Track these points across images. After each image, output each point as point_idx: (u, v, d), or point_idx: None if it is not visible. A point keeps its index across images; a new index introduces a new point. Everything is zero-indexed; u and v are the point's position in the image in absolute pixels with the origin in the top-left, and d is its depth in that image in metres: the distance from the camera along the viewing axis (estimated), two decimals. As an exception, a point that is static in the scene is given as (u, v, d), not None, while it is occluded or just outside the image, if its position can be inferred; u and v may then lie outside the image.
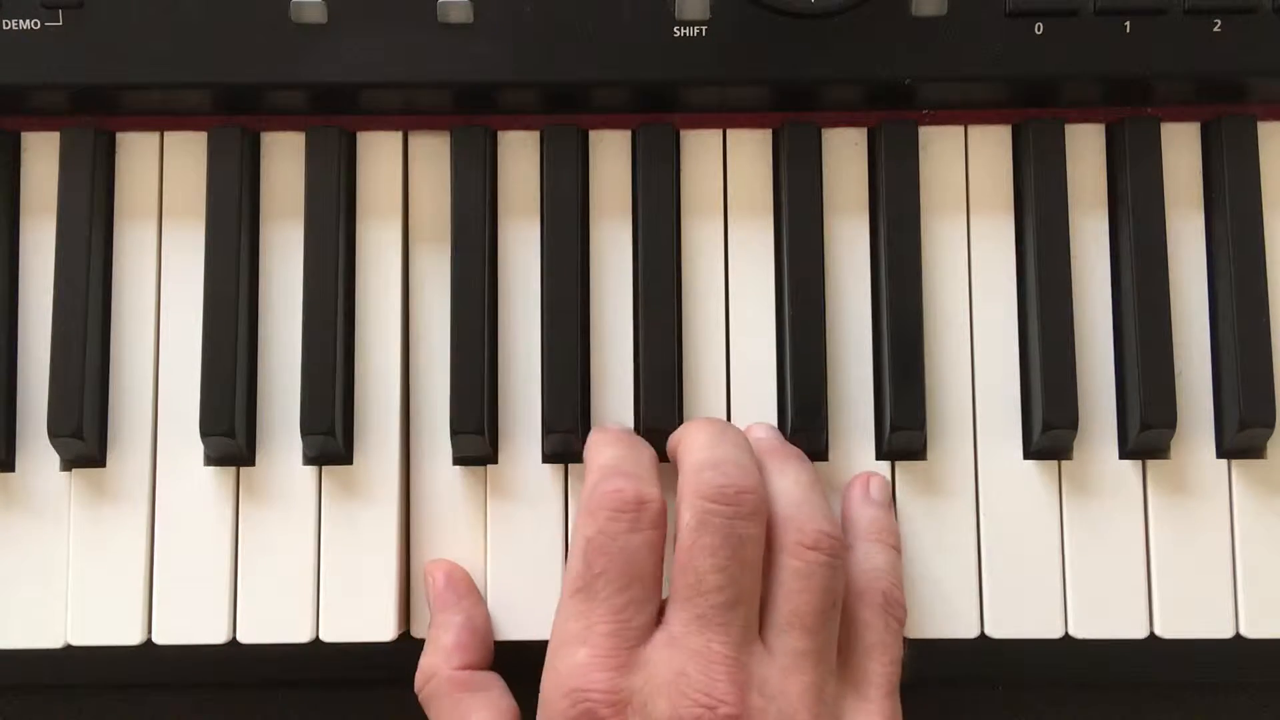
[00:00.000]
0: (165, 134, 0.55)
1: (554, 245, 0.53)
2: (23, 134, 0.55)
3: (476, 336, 0.52)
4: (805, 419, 0.52)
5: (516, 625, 0.52)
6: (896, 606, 0.49)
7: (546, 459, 0.53)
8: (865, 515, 0.51)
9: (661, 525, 0.47)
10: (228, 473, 0.53)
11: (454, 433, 0.52)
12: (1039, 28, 0.52)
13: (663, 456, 0.52)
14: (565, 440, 0.52)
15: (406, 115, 0.55)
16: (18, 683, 0.54)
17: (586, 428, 0.53)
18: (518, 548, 0.53)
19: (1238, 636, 0.52)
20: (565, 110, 0.54)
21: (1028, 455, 0.53)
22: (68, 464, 0.53)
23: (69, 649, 0.52)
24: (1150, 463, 0.53)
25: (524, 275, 0.54)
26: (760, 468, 0.49)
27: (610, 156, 0.55)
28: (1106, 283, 0.54)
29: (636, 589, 0.46)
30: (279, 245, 0.54)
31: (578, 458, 0.53)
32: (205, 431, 0.52)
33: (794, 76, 0.52)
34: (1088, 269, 0.54)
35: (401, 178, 0.55)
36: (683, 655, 0.45)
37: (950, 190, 0.55)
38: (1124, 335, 0.53)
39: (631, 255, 0.54)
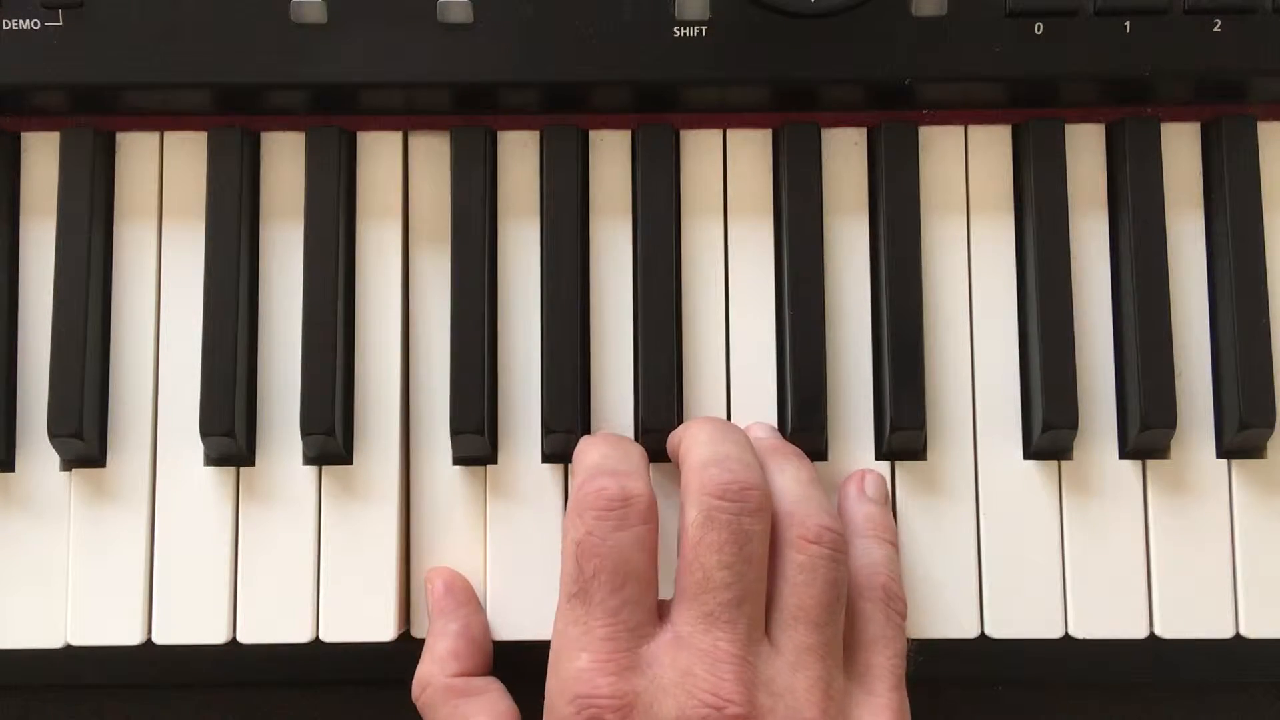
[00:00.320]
0: (165, 134, 0.55)
1: (554, 245, 0.53)
2: (23, 134, 0.55)
3: (476, 336, 0.52)
4: (805, 419, 0.52)
5: (516, 626, 0.52)
6: (896, 600, 0.49)
7: (546, 459, 0.53)
8: (861, 512, 0.51)
9: (651, 520, 0.47)
10: (228, 473, 0.53)
11: (454, 432, 0.52)
12: (1039, 28, 0.52)
13: (664, 456, 0.52)
14: (565, 440, 0.52)
15: (406, 115, 0.55)
16: (18, 683, 0.53)
17: (586, 428, 0.53)
18: (517, 548, 0.53)
19: (1238, 636, 0.52)
20: (565, 110, 0.54)
21: (1028, 455, 0.53)
22: (68, 464, 0.53)
23: (69, 649, 0.52)
24: (1150, 463, 0.53)
25: (524, 275, 0.54)
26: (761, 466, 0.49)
27: (610, 156, 0.55)
28: (1106, 283, 0.54)
29: (631, 587, 0.46)
30: (279, 245, 0.54)
31: (578, 458, 0.53)
32: (205, 431, 0.52)
33: (794, 76, 0.52)
34: (1088, 269, 0.54)
35: (401, 178, 0.55)
36: (689, 654, 0.45)
37: (950, 190, 0.55)
38: (1124, 335, 0.53)
39: (631, 255, 0.54)
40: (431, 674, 0.50)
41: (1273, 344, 0.52)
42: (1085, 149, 0.55)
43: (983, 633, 0.52)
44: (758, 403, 0.53)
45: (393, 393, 0.53)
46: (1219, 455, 0.53)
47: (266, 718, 0.55)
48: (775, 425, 0.53)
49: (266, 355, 0.54)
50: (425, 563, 0.53)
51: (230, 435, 0.52)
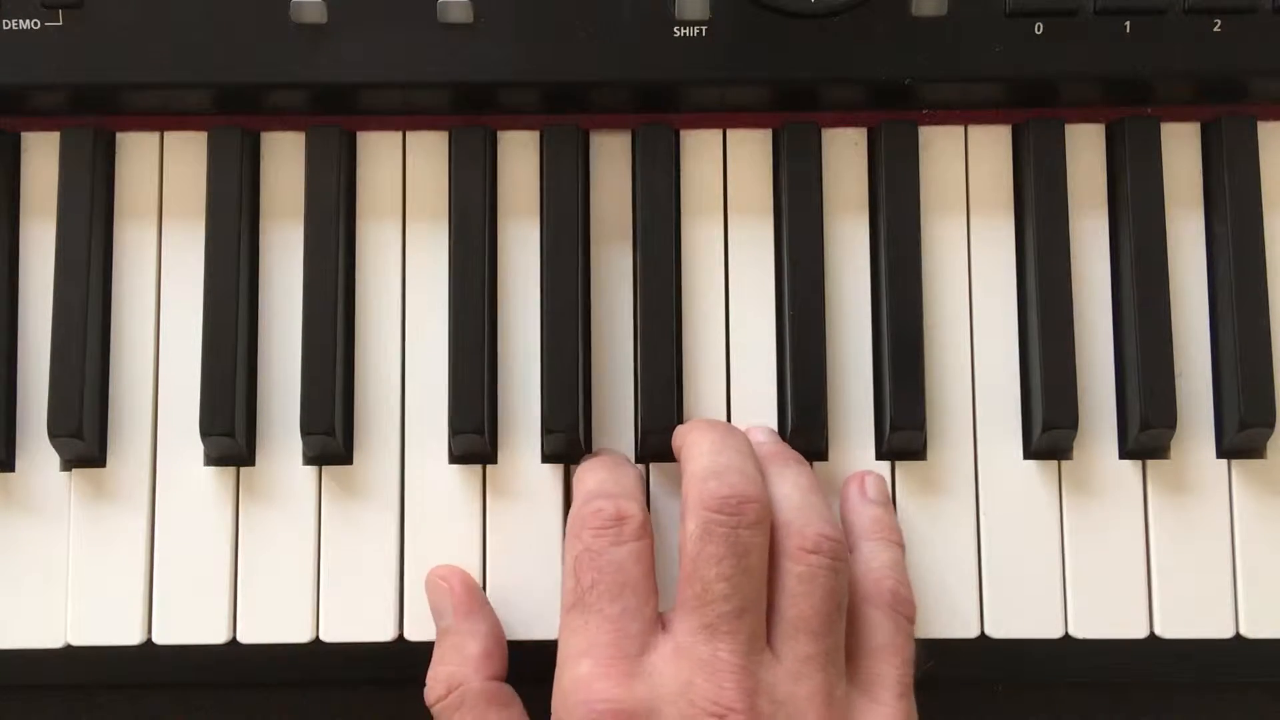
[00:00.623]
0: (165, 134, 0.55)
1: (553, 245, 0.53)
2: (23, 134, 0.55)
3: (476, 336, 0.52)
4: (805, 419, 0.52)
5: (515, 626, 0.52)
6: (905, 604, 0.49)
7: (546, 459, 0.53)
8: (865, 515, 0.51)
9: (645, 537, 0.47)
10: (228, 473, 0.53)
11: (454, 432, 0.52)
12: (1039, 28, 0.52)
13: (664, 456, 0.52)
14: (565, 440, 0.52)
15: (406, 115, 0.55)
16: (18, 683, 0.53)
17: (586, 428, 0.53)
18: (516, 548, 0.53)
19: (1238, 636, 0.52)
20: (565, 110, 0.54)
21: (1028, 455, 0.53)
22: (68, 464, 0.53)
23: (69, 649, 0.52)
24: (1150, 463, 0.53)
25: (524, 275, 0.54)
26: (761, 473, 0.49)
27: (610, 156, 0.55)
28: (1106, 283, 0.54)
29: (629, 597, 0.46)
30: (279, 245, 0.54)
31: (577, 458, 0.53)
32: (205, 431, 0.52)
33: (794, 76, 0.52)
34: (1088, 269, 0.54)
35: (401, 178, 0.55)
36: (690, 665, 0.45)
37: (950, 190, 0.55)
38: (1124, 335, 0.53)
39: (631, 255, 0.54)
40: (464, 676, 0.49)
41: (1273, 344, 0.52)
42: (1085, 149, 0.55)
43: (983, 633, 0.52)
44: (758, 403, 0.53)
45: (393, 393, 0.53)
46: (1219, 455, 0.53)
47: (266, 718, 0.55)
48: (775, 426, 0.53)
49: (266, 355, 0.54)
50: (423, 563, 0.53)
51: (230, 435, 0.52)
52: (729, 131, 0.55)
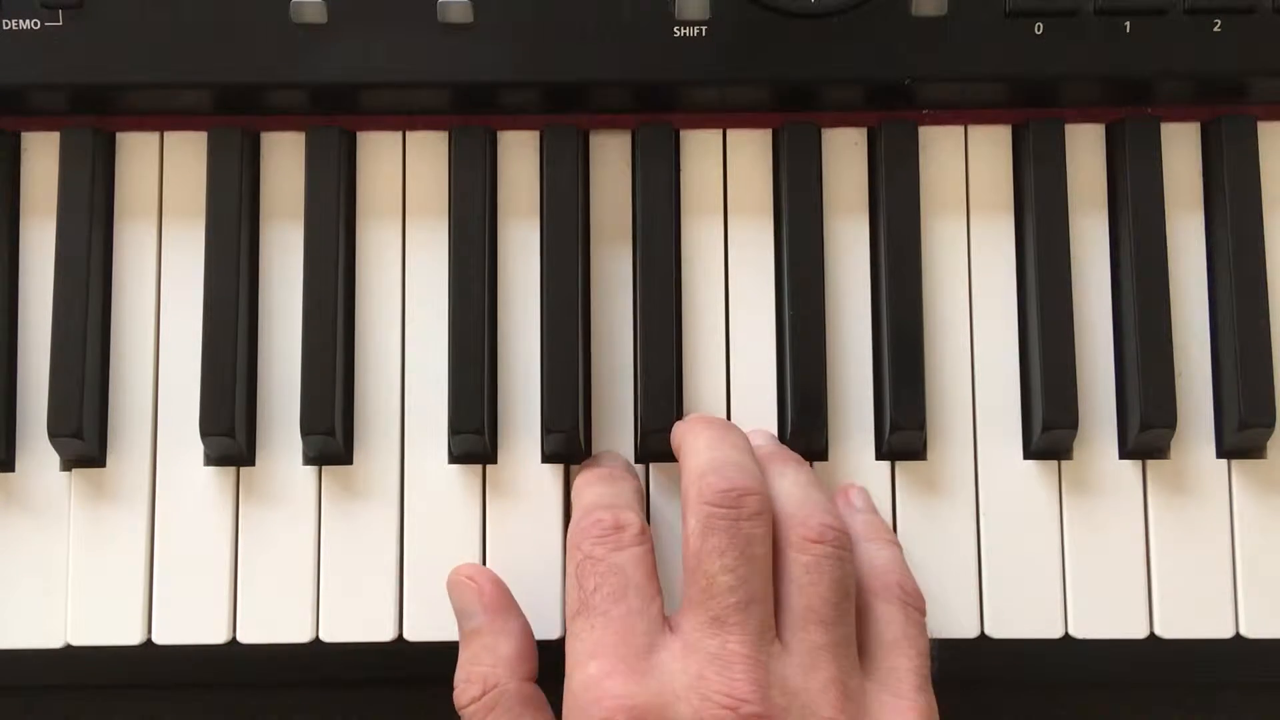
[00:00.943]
0: (165, 134, 0.55)
1: (553, 245, 0.53)
2: (23, 134, 0.55)
3: (476, 336, 0.52)
4: (805, 419, 0.52)
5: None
6: (914, 597, 0.49)
7: (546, 459, 0.53)
8: (857, 520, 0.51)
9: (645, 542, 0.47)
10: (228, 473, 0.53)
11: (454, 432, 0.52)
12: (1039, 28, 0.52)
13: (664, 456, 0.52)
14: (565, 440, 0.52)
15: (406, 115, 0.55)
16: (18, 683, 0.53)
17: (587, 427, 0.53)
18: (516, 548, 0.53)
19: (1238, 636, 0.52)
20: (565, 110, 0.54)
21: (1028, 455, 0.53)
22: (68, 464, 0.53)
23: (69, 649, 0.52)
24: (1150, 463, 0.53)
25: (524, 275, 0.54)
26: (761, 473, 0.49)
27: (610, 157, 0.55)
28: (1106, 283, 0.54)
29: (633, 598, 0.46)
30: (279, 245, 0.54)
31: (577, 458, 0.53)
32: (205, 431, 0.52)
33: (794, 76, 0.52)
34: (1088, 269, 0.54)
35: (401, 178, 0.55)
36: (700, 659, 0.45)
37: (950, 190, 0.55)
38: (1124, 335, 0.53)
39: (631, 255, 0.54)
40: (499, 676, 0.48)
41: (1273, 344, 0.52)
42: (1085, 149, 0.55)
43: (983, 633, 0.52)
44: (757, 403, 0.53)
45: (393, 392, 0.53)
46: (1219, 455, 0.53)
47: (266, 718, 0.55)
48: (775, 426, 0.53)
49: (266, 355, 0.54)
50: (423, 563, 0.53)
51: (230, 435, 0.52)
52: (729, 131, 0.55)
